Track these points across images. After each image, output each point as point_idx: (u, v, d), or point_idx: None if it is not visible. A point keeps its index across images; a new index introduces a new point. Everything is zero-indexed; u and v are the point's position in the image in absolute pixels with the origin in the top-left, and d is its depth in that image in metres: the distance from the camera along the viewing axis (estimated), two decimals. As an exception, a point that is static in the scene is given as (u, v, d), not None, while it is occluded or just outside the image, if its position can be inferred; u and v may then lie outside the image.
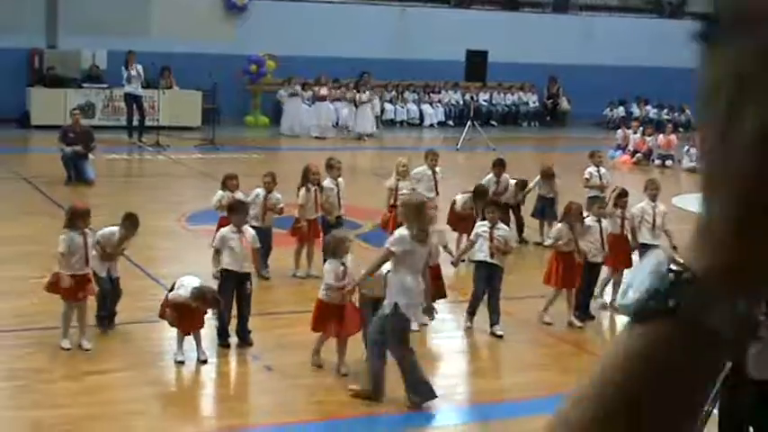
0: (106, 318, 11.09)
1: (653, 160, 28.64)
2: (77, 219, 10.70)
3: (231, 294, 11.01)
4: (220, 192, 13.52)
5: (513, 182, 16.14)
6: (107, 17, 29.71)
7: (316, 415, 9.47)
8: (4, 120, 27.83)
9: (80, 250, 10.57)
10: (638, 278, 1.23)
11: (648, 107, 37.63)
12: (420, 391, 9.52)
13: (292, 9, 33.18)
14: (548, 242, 13.14)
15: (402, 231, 9.51)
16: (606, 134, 32.53)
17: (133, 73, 26.67)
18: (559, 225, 12.82)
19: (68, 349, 10.43)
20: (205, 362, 10.54)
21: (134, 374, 10.19)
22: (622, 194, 13.83)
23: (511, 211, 15.69)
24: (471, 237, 12.42)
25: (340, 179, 14.35)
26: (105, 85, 28.93)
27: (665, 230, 13.68)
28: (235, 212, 11.39)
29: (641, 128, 29.95)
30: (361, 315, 10.36)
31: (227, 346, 10.98)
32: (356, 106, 30.99)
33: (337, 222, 13.90)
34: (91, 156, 20.58)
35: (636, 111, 37.33)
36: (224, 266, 11.06)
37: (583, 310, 12.86)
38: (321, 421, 9.36)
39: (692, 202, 22.12)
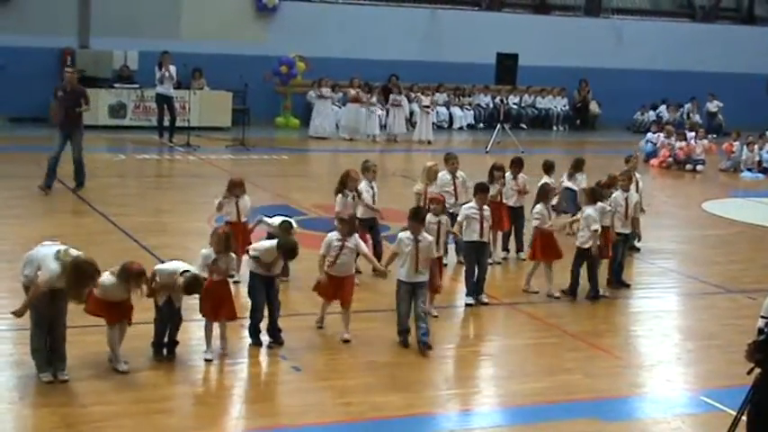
0: (162, 346, 10.64)
1: (685, 165, 28.38)
2: (131, 279, 10.08)
3: (262, 294, 11.11)
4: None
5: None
6: (138, 18, 29.93)
7: (345, 416, 9.46)
8: (36, 119, 28.03)
9: None
10: None
11: (681, 110, 37.48)
12: None
13: (323, 10, 33.27)
14: (534, 223, 14.00)
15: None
16: (637, 138, 32.37)
17: (166, 74, 26.77)
18: (539, 206, 14.02)
19: (127, 372, 10.09)
20: (225, 356, 10.66)
21: (162, 373, 10.23)
22: (608, 185, 14.88)
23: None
24: (459, 219, 13.28)
25: (374, 183, 14.35)
26: (137, 86, 29.09)
27: (633, 218, 14.74)
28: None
29: (673, 133, 29.74)
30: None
31: (260, 344, 11.07)
32: (386, 109, 31.00)
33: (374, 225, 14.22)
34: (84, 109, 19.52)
35: (666, 115, 37.16)
36: (252, 270, 11.14)
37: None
38: (350, 422, 9.36)
39: (720, 207, 22.05)
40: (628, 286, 14.57)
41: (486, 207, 13.26)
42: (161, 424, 9.09)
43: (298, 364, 10.67)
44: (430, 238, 11.66)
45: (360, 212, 13.83)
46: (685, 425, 9.83)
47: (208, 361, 10.60)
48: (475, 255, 13.28)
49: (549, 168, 16.28)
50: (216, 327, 10.79)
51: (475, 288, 13.29)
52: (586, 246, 13.65)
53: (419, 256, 11.33)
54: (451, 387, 10.68)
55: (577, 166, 17.39)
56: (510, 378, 11.00)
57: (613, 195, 14.51)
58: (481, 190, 13.44)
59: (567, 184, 17.27)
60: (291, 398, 9.98)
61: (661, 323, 13.36)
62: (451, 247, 14.79)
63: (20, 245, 15.18)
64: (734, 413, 7.76)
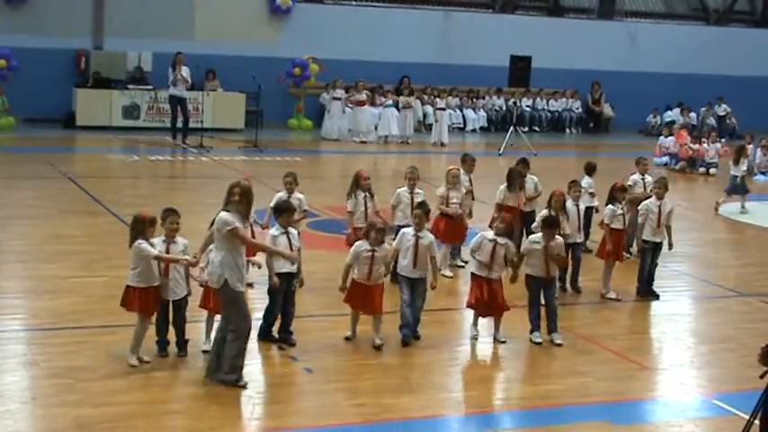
0: (167, 342, 10.71)
1: (698, 168, 28.36)
2: (145, 228, 10.27)
3: (281, 294, 11.14)
4: None
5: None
6: (152, 20, 29.95)
7: (358, 418, 9.46)
8: (51, 120, 28.10)
9: (150, 261, 10.27)
10: None
11: (692, 114, 37.35)
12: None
13: (336, 13, 33.26)
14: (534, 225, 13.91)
15: None
16: (649, 141, 32.32)
17: (179, 76, 26.76)
18: (545, 211, 13.41)
19: (135, 366, 10.22)
20: None
21: (174, 374, 10.24)
22: (622, 189, 14.61)
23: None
24: (522, 250, 12.31)
25: (417, 190, 14.15)
26: (150, 87, 29.12)
27: (666, 226, 14.33)
28: (280, 213, 11.37)
29: (687, 135, 29.66)
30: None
31: (272, 341, 11.12)
32: (398, 110, 30.99)
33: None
34: None
35: (680, 118, 37.05)
36: (276, 270, 11.04)
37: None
38: (363, 424, 9.35)
39: (734, 211, 21.97)
40: (657, 297, 14.28)
41: (557, 238, 12.13)
42: (173, 425, 9.10)
43: (309, 365, 10.67)
44: (431, 237, 11.68)
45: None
46: (698, 428, 9.81)
47: (205, 352, 10.65)
48: (540, 290, 12.09)
49: (590, 170, 16.23)
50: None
51: (538, 324, 12.05)
52: None
53: (418, 253, 11.42)
54: (464, 389, 10.67)
55: (740, 152, 22.53)
56: (522, 381, 11.00)
57: (645, 202, 14.31)
58: (549, 226, 12.10)
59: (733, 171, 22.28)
60: (304, 399, 9.99)
61: (674, 326, 13.32)
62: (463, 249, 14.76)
63: (34, 245, 15.27)
64: (747, 417, 7.74)
